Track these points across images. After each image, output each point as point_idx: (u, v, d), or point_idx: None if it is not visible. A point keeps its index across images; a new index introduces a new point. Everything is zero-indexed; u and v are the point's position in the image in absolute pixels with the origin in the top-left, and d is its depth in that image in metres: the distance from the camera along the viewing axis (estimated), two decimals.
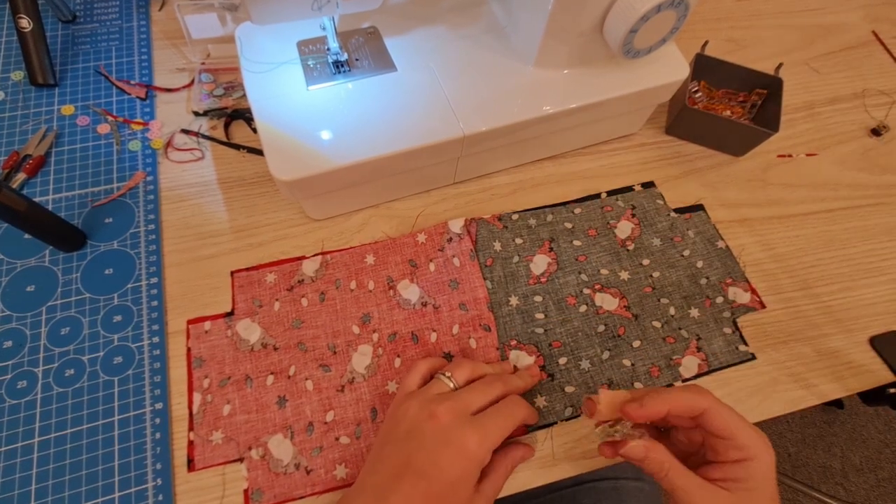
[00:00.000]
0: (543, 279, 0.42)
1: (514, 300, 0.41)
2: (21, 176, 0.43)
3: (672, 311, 0.42)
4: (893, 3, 0.64)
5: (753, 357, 0.40)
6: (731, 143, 0.50)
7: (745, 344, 0.41)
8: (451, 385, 0.33)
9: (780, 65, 0.50)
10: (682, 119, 0.49)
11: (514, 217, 0.44)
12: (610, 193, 0.47)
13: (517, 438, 0.37)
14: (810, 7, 0.62)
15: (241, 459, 0.35)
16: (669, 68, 0.43)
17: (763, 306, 0.42)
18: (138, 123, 0.46)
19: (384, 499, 0.29)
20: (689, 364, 0.39)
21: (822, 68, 0.57)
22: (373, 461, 0.32)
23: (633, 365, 0.39)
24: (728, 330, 0.41)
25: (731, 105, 0.52)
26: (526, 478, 0.36)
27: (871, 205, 0.49)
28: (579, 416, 0.37)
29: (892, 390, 0.42)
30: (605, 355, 0.39)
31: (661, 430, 0.35)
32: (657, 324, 0.41)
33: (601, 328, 0.40)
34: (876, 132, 0.53)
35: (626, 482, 0.49)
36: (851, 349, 0.42)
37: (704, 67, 0.51)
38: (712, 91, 0.52)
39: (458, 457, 0.29)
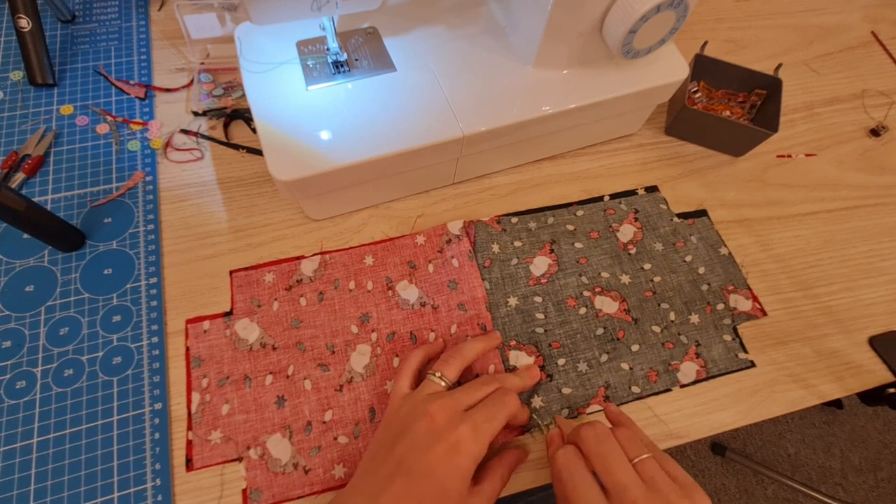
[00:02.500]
0: (544, 280, 0.42)
1: (512, 301, 0.41)
2: (20, 176, 0.43)
3: (672, 316, 0.42)
4: (892, 3, 0.64)
5: (753, 365, 0.40)
6: (731, 144, 0.50)
7: (745, 351, 0.41)
8: (443, 383, 0.33)
9: (780, 65, 0.50)
10: (682, 119, 0.49)
11: (514, 220, 0.44)
12: (613, 196, 0.47)
13: (515, 440, 0.37)
14: (809, 7, 0.62)
15: (239, 459, 0.35)
16: (669, 69, 0.43)
17: (764, 314, 0.42)
18: (137, 123, 0.46)
19: (374, 499, 0.28)
20: (687, 370, 0.39)
21: (821, 69, 0.57)
22: (366, 463, 0.31)
23: (631, 368, 0.39)
24: (728, 337, 0.41)
25: (730, 105, 0.52)
26: (527, 479, 0.36)
27: (870, 205, 0.49)
28: (577, 416, 0.37)
29: (891, 390, 0.42)
30: (604, 358, 0.39)
31: None
32: (657, 328, 0.41)
33: (600, 331, 0.40)
34: (875, 132, 0.53)
35: None
36: (851, 349, 0.42)
37: (704, 68, 0.51)
38: (712, 91, 0.52)
39: (450, 453, 0.29)
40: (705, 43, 0.51)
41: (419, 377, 0.36)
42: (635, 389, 0.38)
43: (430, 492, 0.28)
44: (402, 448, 0.30)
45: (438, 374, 0.34)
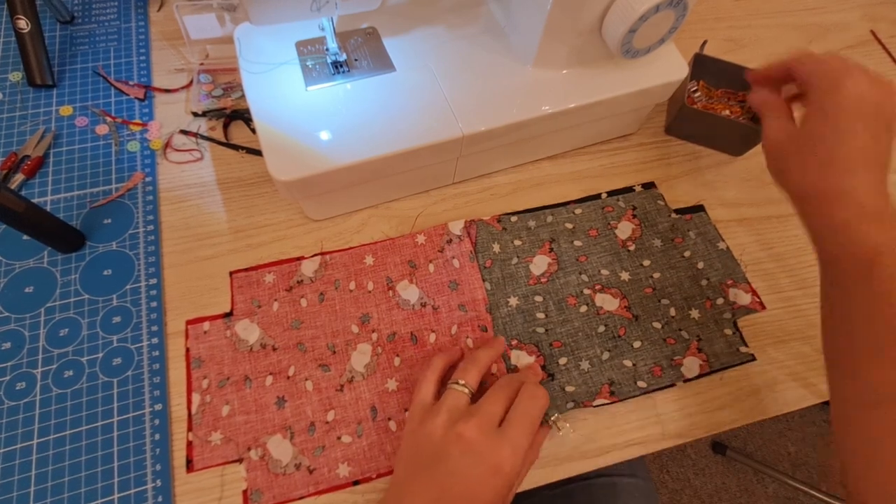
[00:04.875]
0: (544, 279, 0.42)
1: (513, 300, 0.41)
2: (19, 177, 0.43)
3: (672, 311, 0.42)
4: (892, 2, 0.64)
5: (753, 358, 0.40)
6: (730, 143, 0.50)
7: (746, 345, 0.41)
8: (466, 391, 0.33)
9: None
10: (681, 118, 0.49)
11: (514, 219, 0.44)
12: (610, 194, 0.47)
13: None
14: (809, 6, 0.62)
15: (240, 460, 0.35)
16: (668, 68, 0.43)
17: (763, 308, 0.42)
18: (137, 124, 0.46)
19: None
20: (691, 364, 0.39)
21: None
22: (403, 486, 0.31)
23: (634, 365, 0.39)
24: (728, 331, 0.41)
25: (729, 104, 0.52)
26: (529, 478, 0.36)
27: None
28: (581, 406, 0.37)
29: None
30: (605, 356, 0.39)
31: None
32: (657, 325, 0.41)
33: (601, 329, 0.40)
34: None
35: (621, 479, 0.49)
36: None
37: (703, 67, 0.51)
38: (711, 91, 0.52)
39: (493, 475, 0.29)
40: (705, 42, 0.51)
41: (439, 386, 0.36)
42: (641, 385, 0.38)
43: None
44: (443, 474, 0.29)
45: (462, 383, 0.33)
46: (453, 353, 0.37)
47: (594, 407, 0.38)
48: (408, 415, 0.34)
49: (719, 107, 0.51)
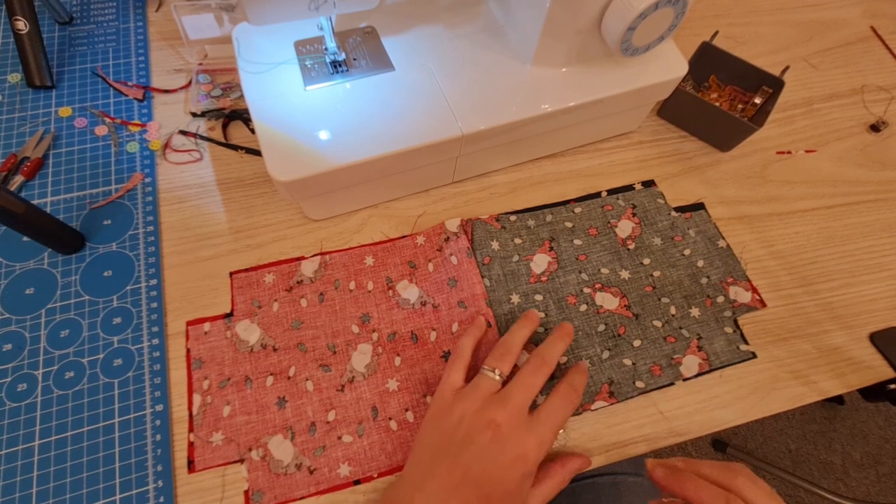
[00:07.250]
0: (544, 278, 0.42)
1: (515, 298, 0.41)
2: (19, 178, 0.43)
3: (673, 310, 0.42)
4: None
5: (754, 356, 0.40)
6: (717, 134, 0.49)
7: (746, 343, 0.41)
8: (498, 378, 0.33)
9: (787, 68, 0.49)
10: (673, 101, 0.48)
11: (513, 218, 0.44)
12: (610, 192, 0.47)
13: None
14: (809, 3, 0.62)
15: (241, 460, 0.35)
16: (668, 66, 0.43)
17: (764, 305, 0.42)
18: (136, 125, 0.46)
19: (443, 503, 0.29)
20: (690, 363, 0.39)
21: (820, 64, 0.57)
22: (424, 465, 0.31)
23: (633, 364, 0.39)
24: (729, 329, 0.41)
25: (733, 102, 0.51)
26: None
27: (870, 201, 0.49)
28: (581, 413, 0.37)
29: (892, 386, 0.42)
30: (605, 355, 0.39)
31: None
32: (658, 323, 0.41)
33: (601, 327, 0.40)
34: (875, 128, 0.53)
35: (625, 477, 0.49)
36: (851, 345, 0.42)
37: (711, 58, 0.50)
38: (722, 87, 0.52)
39: (517, 463, 0.30)
40: (716, 33, 0.51)
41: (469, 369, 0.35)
42: (640, 384, 0.38)
43: (497, 497, 0.29)
44: (468, 458, 0.30)
45: (498, 372, 0.33)
46: (478, 331, 0.37)
47: (592, 410, 0.38)
48: (433, 397, 0.34)
49: (724, 104, 0.51)
